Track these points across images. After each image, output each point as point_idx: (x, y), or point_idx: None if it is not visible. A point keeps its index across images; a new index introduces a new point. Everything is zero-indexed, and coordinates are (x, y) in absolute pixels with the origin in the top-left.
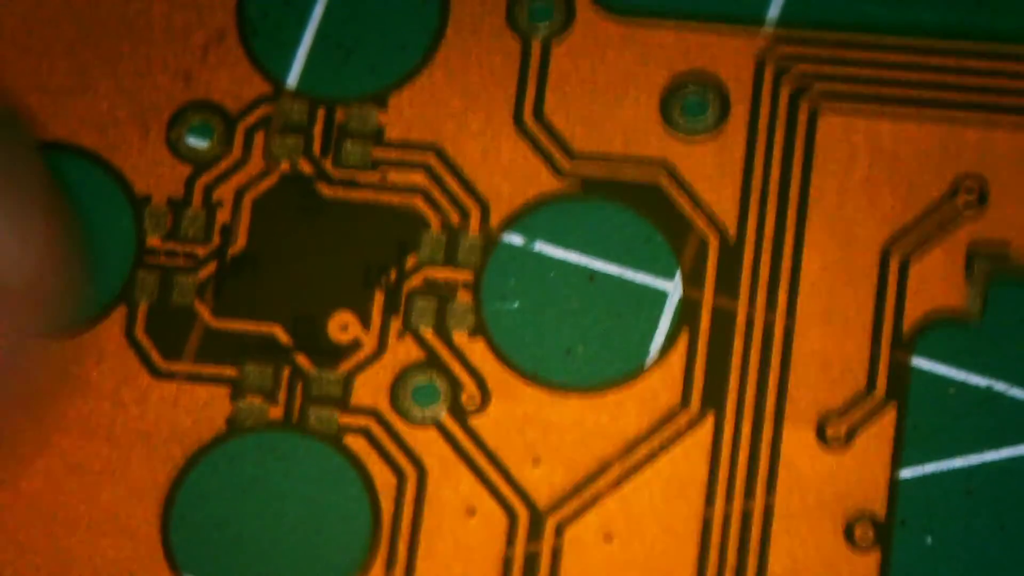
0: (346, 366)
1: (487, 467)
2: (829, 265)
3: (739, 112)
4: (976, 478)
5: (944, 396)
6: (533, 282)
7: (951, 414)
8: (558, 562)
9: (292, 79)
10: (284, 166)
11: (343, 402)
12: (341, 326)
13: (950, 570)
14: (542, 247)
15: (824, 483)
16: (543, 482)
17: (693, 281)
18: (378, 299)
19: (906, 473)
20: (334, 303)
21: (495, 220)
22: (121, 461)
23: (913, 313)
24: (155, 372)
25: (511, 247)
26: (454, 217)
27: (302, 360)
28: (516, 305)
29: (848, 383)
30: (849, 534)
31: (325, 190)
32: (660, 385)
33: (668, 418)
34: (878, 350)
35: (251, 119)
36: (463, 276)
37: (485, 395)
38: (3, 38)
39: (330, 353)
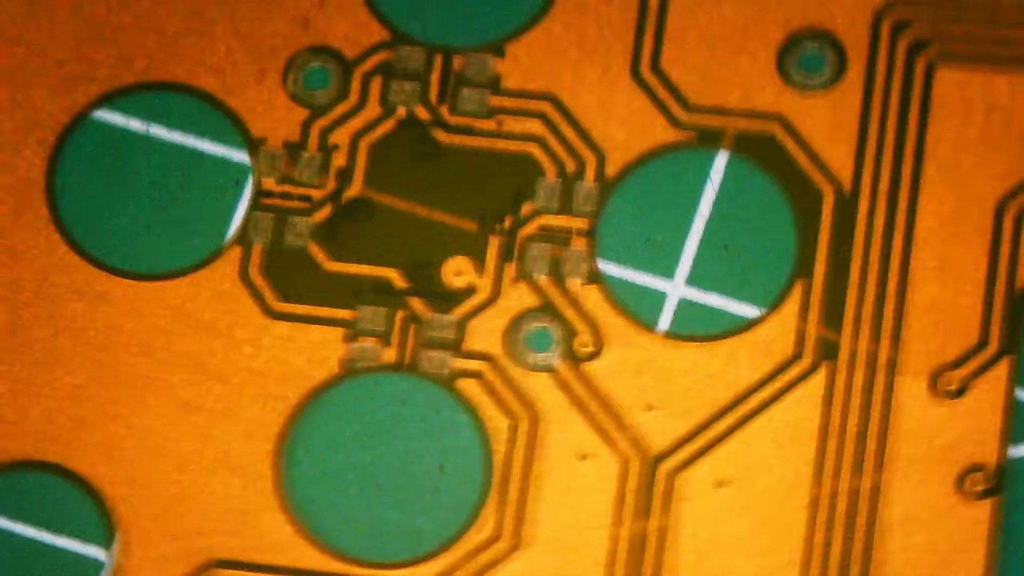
0: (460, 311)
1: (600, 413)
2: (944, 219)
3: (856, 67)
4: None
5: None
6: None
7: None
8: (669, 508)
9: (410, 26)
10: (401, 112)
11: (456, 346)
12: (456, 271)
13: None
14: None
15: (936, 434)
16: (656, 429)
17: (808, 234)
18: (493, 245)
19: None
20: (449, 248)
21: (611, 170)
22: (234, 400)
23: None
24: (269, 312)
25: None
26: (570, 165)
27: (416, 304)
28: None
29: (961, 336)
30: (960, 484)
31: (442, 136)
32: (774, 334)
33: (782, 367)
34: (992, 304)
35: (368, 65)
36: (578, 224)
37: (599, 341)
38: None
39: (444, 297)
